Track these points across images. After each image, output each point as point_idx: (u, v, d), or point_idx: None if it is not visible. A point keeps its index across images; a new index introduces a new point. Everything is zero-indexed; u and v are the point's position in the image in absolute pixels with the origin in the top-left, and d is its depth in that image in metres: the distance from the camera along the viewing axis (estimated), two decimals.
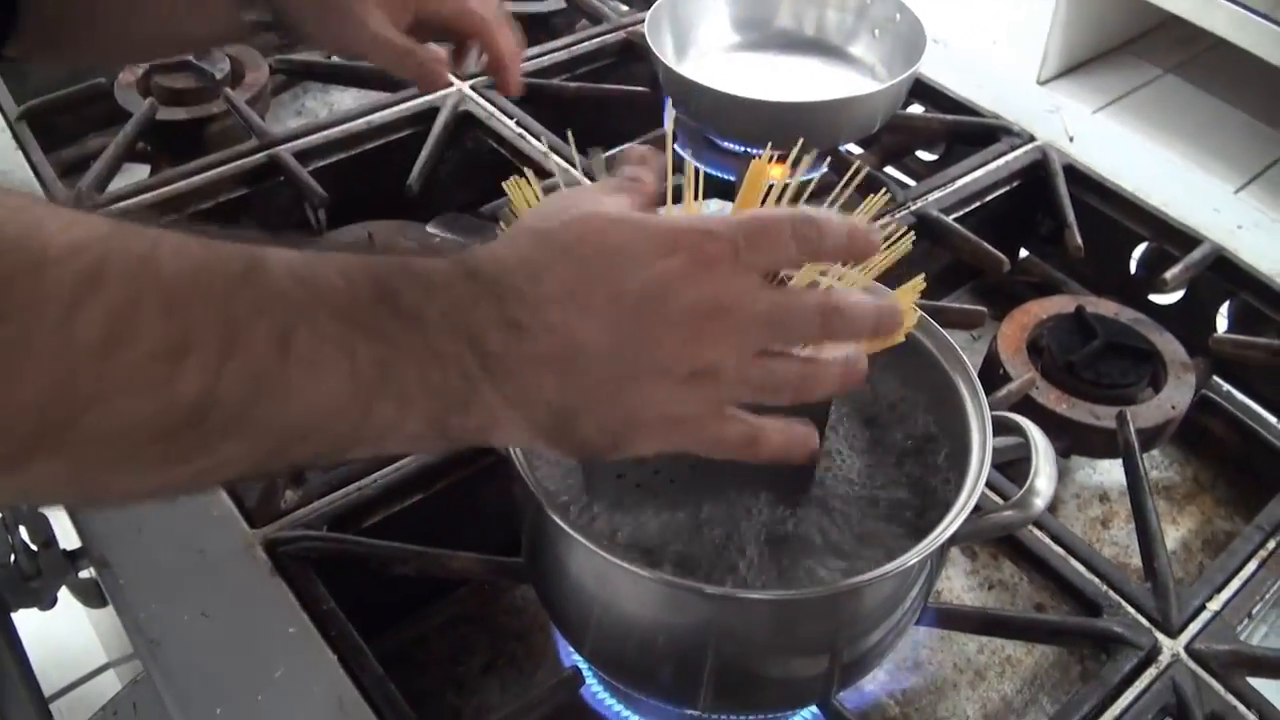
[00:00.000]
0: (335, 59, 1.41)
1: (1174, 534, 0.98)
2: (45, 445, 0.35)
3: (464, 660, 0.86)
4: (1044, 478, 0.65)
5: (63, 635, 1.48)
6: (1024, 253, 1.24)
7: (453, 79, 1.24)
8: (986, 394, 0.68)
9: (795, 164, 0.59)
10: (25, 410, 0.34)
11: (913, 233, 0.63)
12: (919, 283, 0.63)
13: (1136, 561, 0.91)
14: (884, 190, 0.66)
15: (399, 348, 0.40)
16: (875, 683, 0.84)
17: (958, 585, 0.92)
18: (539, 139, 1.15)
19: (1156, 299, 1.12)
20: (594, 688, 0.75)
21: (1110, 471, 1.02)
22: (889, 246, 0.63)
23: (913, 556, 0.59)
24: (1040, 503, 0.64)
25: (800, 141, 0.63)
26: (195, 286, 0.37)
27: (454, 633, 0.88)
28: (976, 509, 0.62)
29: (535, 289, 0.43)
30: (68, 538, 0.84)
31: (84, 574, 0.88)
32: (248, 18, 0.76)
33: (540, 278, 0.43)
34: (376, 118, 1.18)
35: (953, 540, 0.64)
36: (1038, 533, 0.82)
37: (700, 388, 0.45)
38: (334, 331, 0.39)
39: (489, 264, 0.44)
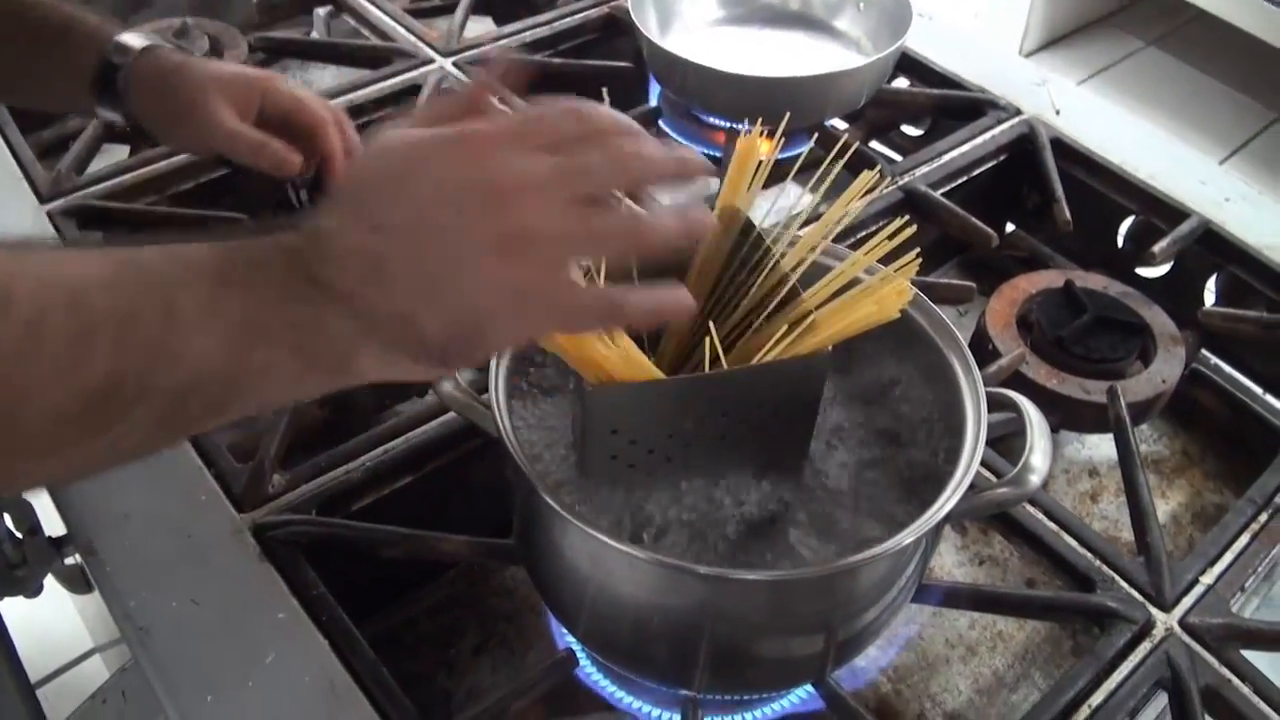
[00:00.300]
0: (315, 35, 1.40)
1: (1164, 507, 0.98)
2: None
3: (454, 642, 0.86)
4: (1039, 454, 0.65)
5: (48, 621, 1.47)
6: (1010, 227, 1.23)
7: (434, 55, 1.23)
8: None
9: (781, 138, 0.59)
10: None
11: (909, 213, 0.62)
12: (913, 260, 0.63)
13: (1127, 535, 0.91)
14: (877, 168, 0.65)
15: (258, 296, 0.45)
16: (866, 659, 0.84)
17: (948, 561, 0.92)
18: None
19: (1144, 272, 1.12)
20: (588, 669, 0.75)
21: (1099, 446, 1.02)
22: (899, 269, 0.63)
23: (908, 535, 0.59)
24: (1036, 479, 0.64)
25: (787, 116, 0.62)
26: (90, 283, 0.42)
27: (444, 615, 0.87)
28: (971, 486, 0.62)
29: (340, 220, 0.47)
30: (53, 525, 0.83)
31: (69, 560, 0.88)
32: (103, 116, 0.84)
33: (340, 210, 0.47)
34: (358, 96, 1.17)
35: (948, 518, 0.64)
36: (1030, 508, 0.82)
37: (520, 255, 0.46)
38: (206, 294, 0.44)
39: (309, 219, 0.48)
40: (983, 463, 0.68)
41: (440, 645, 0.85)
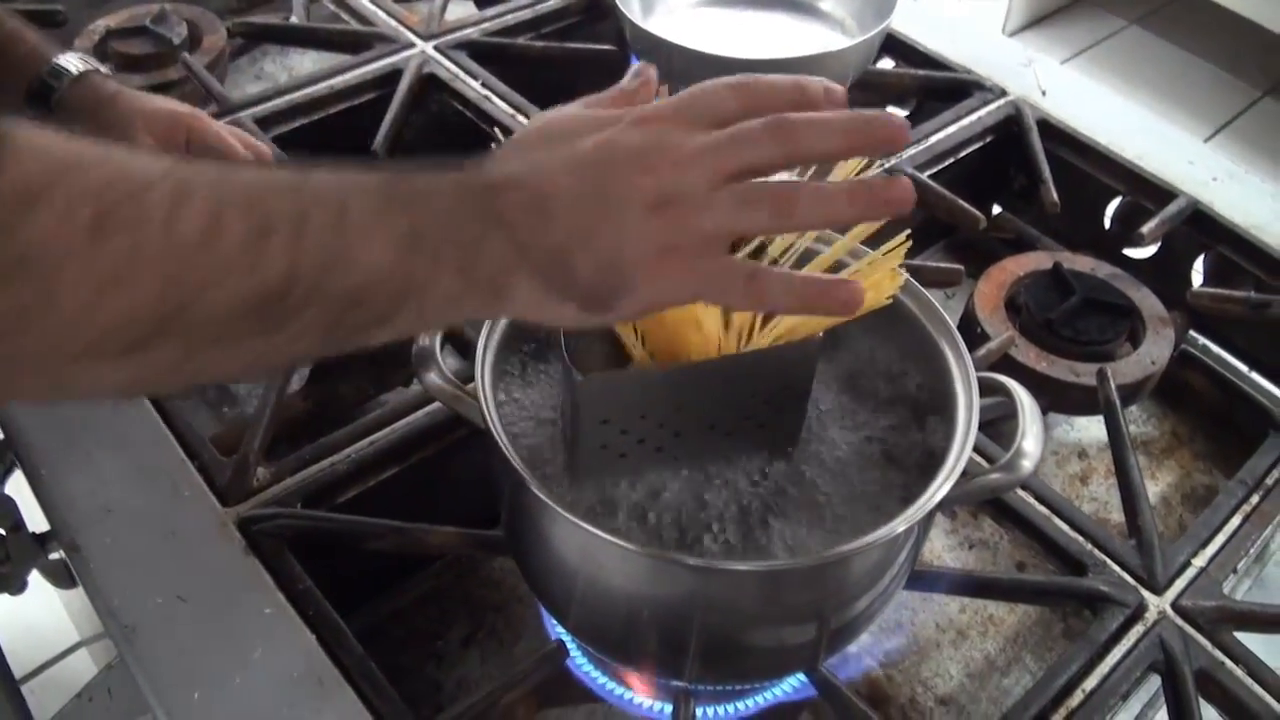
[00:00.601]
0: (294, 19, 1.38)
1: (1153, 489, 0.97)
2: (164, 330, 0.42)
3: (443, 634, 0.85)
4: (1031, 439, 0.65)
5: (34, 615, 1.47)
6: (997, 209, 1.23)
7: (415, 39, 1.22)
8: None
9: None
10: (148, 302, 0.42)
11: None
12: (902, 242, 0.62)
13: (1116, 517, 0.91)
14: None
15: (423, 213, 0.47)
16: (857, 645, 0.84)
17: (938, 545, 0.92)
18: (504, 100, 1.13)
19: (1131, 253, 1.12)
20: (578, 660, 0.74)
21: (1088, 428, 1.02)
22: (888, 253, 0.62)
23: (900, 524, 0.58)
24: (1028, 465, 0.64)
25: None
26: (265, 188, 0.45)
27: (432, 606, 0.87)
28: (963, 473, 0.61)
29: (506, 162, 0.50)
30: (36, 521, 0.82)
31: (54, 555, 0.87)
32: None
33: (507, 156, 0.51)
34: (338, 81, 1.15)
35: (940, 505, 0.64)
36: (1020, 491, 0.81)
37: (672, 214, 0.48)
38: (374, 207, 0.46)
39: (471, 161, 0.51)
40: (974, 448, 0.68)
41: (429, 637, 0.85)
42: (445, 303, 0.49)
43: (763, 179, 0.49)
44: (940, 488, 0.60)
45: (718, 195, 0.48)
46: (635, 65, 0.58)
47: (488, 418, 0.62)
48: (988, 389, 0.67)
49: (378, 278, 0.46)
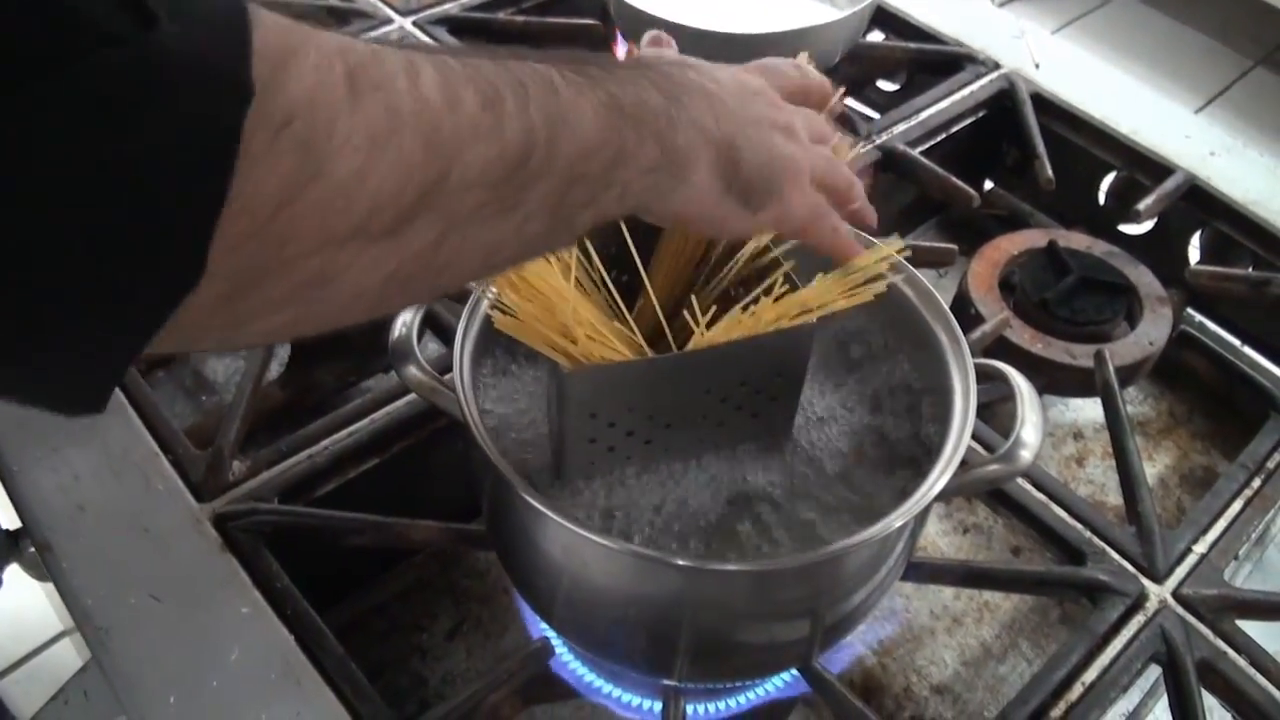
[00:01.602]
0: None
1: (1150, 470, 0.96)
2: (427, 202, 0.40)
3: (427, 627, 0.83)
4: (1030, 427, 0.63)
5: (16, 607, 1.45)
6: (989, 185, 1.21)
7: (393, 15, 1.19)
8: None
9: None
10: (412, 166, 0.39)
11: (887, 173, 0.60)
12: (898, 245, 0.63)
13: (1113, 500, 0.90)
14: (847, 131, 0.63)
15: (619, 85, 0.48)
16: (851, 633, 0.82)
17: (932, 530, 0.90)
18: None
19: (1127, 230, 1.10)
20: (564, 657, 0.72)
21: (1083, 409, 1.00)
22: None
23: (897, 519, 0.56)
24: (1028, 455, 0.62)
25: None
26: (476, 65, 0.43)
27: (415, 599, 0.85)
28: (961, 464, 0.59)
29: (659, 68, 0.52)
30: (10, 518, 0.79)
31: (31, 549, 0.85)
32: None
33: (653, 68, 0.53)
34: None
35: (937, 498, 0.62)
36: (1019, 479, 0.79)
37: (796, 142, 0.56)
38: (575, 79, 0.47)
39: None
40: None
41: (412, 630, 0.83)
42: (645, 176, 0.49)
43: None
44: (937, 481, 0.58)
45: (814, 149, 0.58)
46: (651, 33, 0.67)
47: (467, 411, 0.59)
48: (984, 376, 0.65)
49: (595, 143, 0.47)
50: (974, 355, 0.65)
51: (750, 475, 0.64)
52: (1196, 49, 2.66)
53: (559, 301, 0.57)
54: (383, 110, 0.38)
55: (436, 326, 0.86)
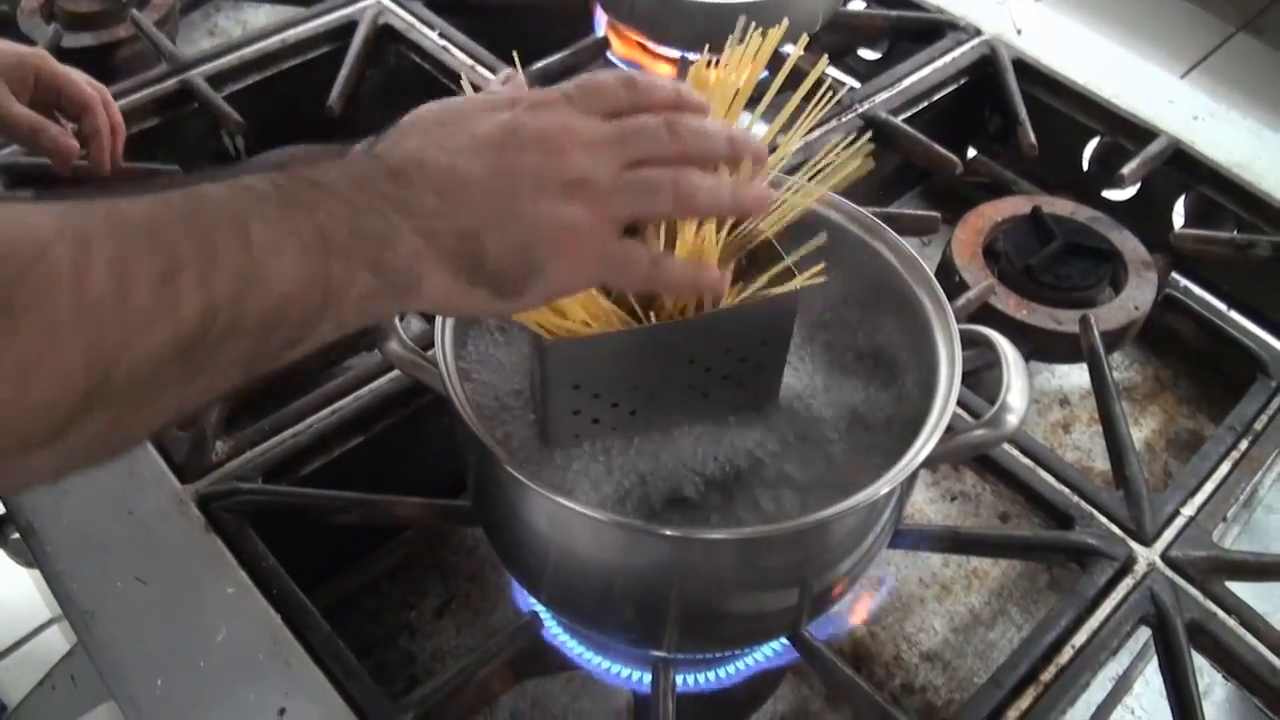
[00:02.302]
0: None
1: (1137, 435, 0.96)
2: (92, 402, 0.39)
3: (416, 604, 0.83)
4: (1016, 393, 0.62)
5: (3, 593, 1.45)
6: (972, 152, 1.20)
7: None
8: None
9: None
10: (74, 374, 0.38)
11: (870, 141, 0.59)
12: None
13: (1101, 465, 0.90)
14: (826, 91, 0.62)
15: (327, 213, 0.45)
16: (840, 602, 0.82)
17: (919, 498, 0.90)
18: (464, 51, 1.09)
19: (1111, 195, 1.09)
20: (554, 630, 0.72)
21: (1069, 375, 1.00)
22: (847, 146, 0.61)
23: (883, 485, 0.56)
24: (1014, 420, 0.62)
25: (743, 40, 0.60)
26: (162, 219, 0.41)
27: (404, 576, 0.84)
28: (946, 430, 0.59)
29: (403, 144, 0.50)
30: None
31: (14, 535, 0.84)
32: None
33: (405, 136, 0.50)
34: (291, 35, 1.11)
35: (923, 465, 0.62)
36: (1005, 445, 0.79)
37: (580, 198, 0.50)
38: (276, 216, 0.44)
39: (361, 145, 0.50)
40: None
41: (401, 607, 0.83)
42: (361, 303, 0.46)
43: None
44: (923, 447, 0.58)
45: (623, 179, 0.51)
46: (504, 72, 0.62)
47: (449, 385, 0.59)
48: (969, 341, 0.65)
49: (294, 291, 0.44)
50: (959, 322, 0.64)
51: (736, 444, 0.64)
52: (1178, 14, 2.66)
53: None
54: (38, 332, 0.37)
55: None
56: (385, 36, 1.14)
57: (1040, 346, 0.91)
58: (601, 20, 1.18)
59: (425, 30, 1.13)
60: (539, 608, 0.71)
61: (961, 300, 0.89)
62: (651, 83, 0.54)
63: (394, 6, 1.16)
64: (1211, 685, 0.79)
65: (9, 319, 0.37)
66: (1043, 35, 1.16)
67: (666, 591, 0.60)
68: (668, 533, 0.56)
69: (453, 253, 0.48)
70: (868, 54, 1.27)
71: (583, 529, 0.58)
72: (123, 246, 0.40)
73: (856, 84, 1.12)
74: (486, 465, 0.61)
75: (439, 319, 0.62)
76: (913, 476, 0.61)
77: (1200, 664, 0.71)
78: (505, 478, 0.57)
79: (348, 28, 1.13)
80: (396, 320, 0.66)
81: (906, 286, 0.66)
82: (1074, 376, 0.99)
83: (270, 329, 0.43)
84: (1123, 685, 0.72)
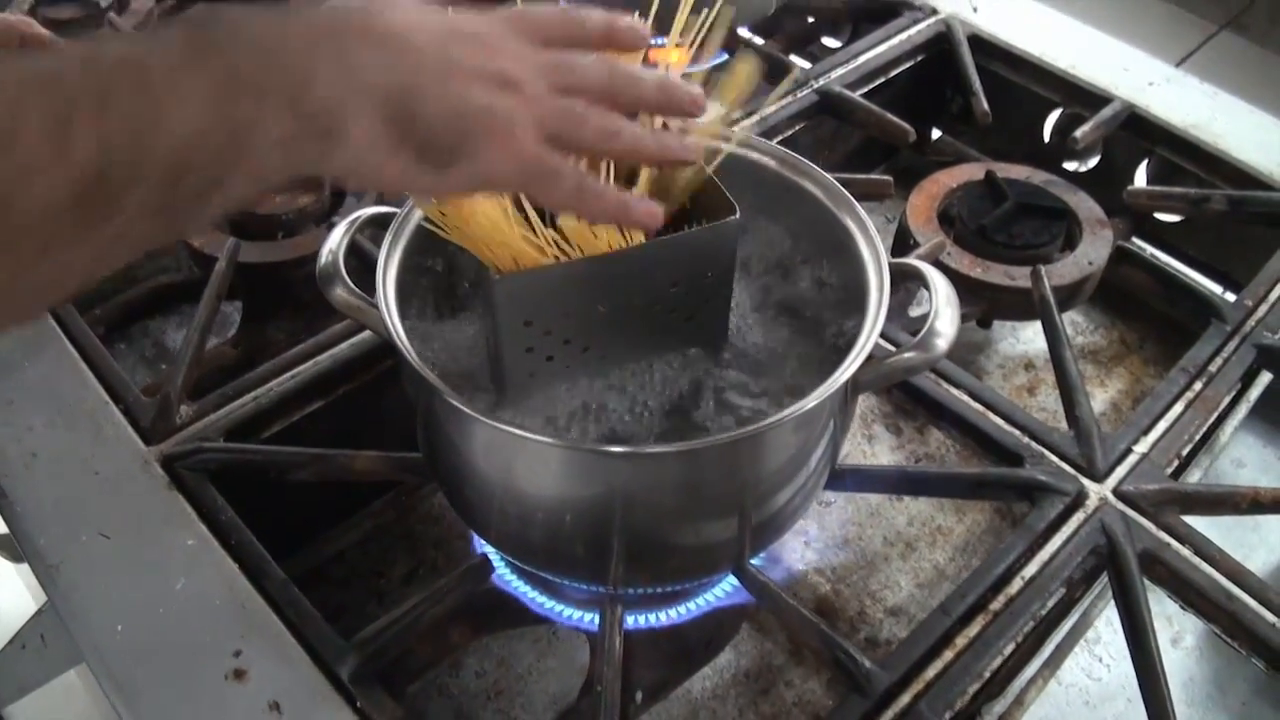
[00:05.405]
0: None
1: (1103, 396, 0.97)
2: None
3: (385, 571, 0.84)
4: (944, 319, 0.63)
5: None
6: (937, 134, 1.22)
7: None
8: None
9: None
10: None
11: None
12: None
13: (1065, 426, 0.90)
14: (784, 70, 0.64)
15: (243, 49, 0.44)
16: (804, 561, 0.83)
17: (883, 460, 0.91)
18: None
19: (1072, 167, 1.11)
20: (505, 575, 0.73)
21: (1034, 340, 1.01)
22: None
23: (811, 400, 0.57)
24: (943, 344, 0.63)
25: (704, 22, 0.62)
26: (63, 68, 0.41)
27: (373, 545, 0.86)
28: (880, 357, 0.60)
29: (360, 16, 0.48)
30: None
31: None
32: None
33: (355, 15, 0.48)
34: None
35: (857, 387, 0.63)
36: (956, 391, 0.80)
37: (512, 94, 0.49)
38: (181, 56, 0.43)
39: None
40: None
41: (370, 575, 0.84)
42: (275, 149, 0.45)
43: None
44: (852, 363, 0.59)
45: (552, 98, 0.51)
46: None
47: (390, 325, 0.60)
48: (901, 275, 0.66)
49: (198, 130, 0.42)
50: (892, 258, 0.66)
51: (679, 377, 0.65)
52: (1161, 13, 2.67)
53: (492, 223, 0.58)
54: None
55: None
56: None
57: (996, 304, 0.92)
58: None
59: None
60: (491, 552, 0.72)
61: (911, 257, 0.90)
62: (586, 14, 0.54)
63: None
64: (1182, 633, 0.80)
65: None
66: (1000, 12, 1.18)
67: (610, 519, 0.62)
68: (606, 449, 0.57)
69: (382, 102, 0.47)
70: (831, 42, 1.29)
71: (523, 456, 0.60)
72: (20, 92, 0.40)
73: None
74: (430, 404, 0.62)
75: (380, 260, 0.64)
76: (845, 399, 0.62)
77: (1172, 611, 0.71)
78: (447, 413, 0.58)
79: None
80: (341, 267, 0.67)
81: (839, 224, 0.68)
82: (1039, 342, 0.99)
83: (175, 175, 0.42)
84: (1083, 623, 0.73)
